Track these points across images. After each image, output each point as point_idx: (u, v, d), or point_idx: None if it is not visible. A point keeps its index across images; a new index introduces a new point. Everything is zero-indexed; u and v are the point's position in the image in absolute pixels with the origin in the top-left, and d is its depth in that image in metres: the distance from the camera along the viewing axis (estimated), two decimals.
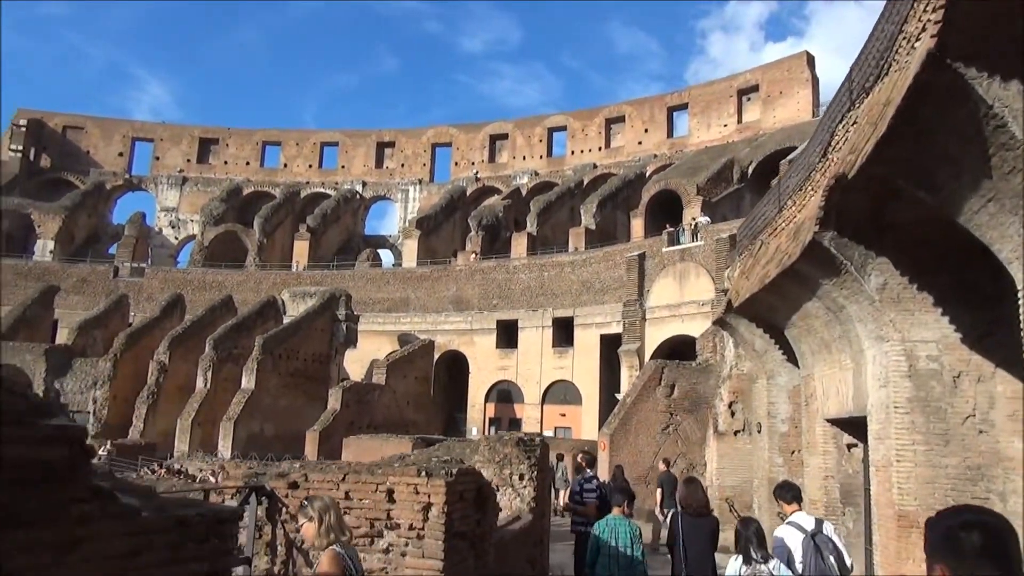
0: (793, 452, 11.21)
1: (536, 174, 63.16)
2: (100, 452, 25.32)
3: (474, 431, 42.05)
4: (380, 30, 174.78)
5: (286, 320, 41.14)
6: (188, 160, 69.10)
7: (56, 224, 58.05)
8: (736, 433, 13.99)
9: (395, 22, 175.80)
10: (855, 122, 6.86)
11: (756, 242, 11.05)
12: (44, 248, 57.29)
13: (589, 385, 40.77)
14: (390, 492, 4.77)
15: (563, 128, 64.20)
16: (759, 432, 11.92)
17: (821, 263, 7.53)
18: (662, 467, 17.33)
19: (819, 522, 6.45)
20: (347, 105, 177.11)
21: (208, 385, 36.99)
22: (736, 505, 13.13)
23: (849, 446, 9.33)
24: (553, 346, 42.61)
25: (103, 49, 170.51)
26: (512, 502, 7.40)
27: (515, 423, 42.57)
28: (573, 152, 62.67)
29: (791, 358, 11.00)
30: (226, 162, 69.09)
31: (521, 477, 7.43)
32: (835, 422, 9.39)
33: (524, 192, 60.79)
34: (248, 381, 36.07)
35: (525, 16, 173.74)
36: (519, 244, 50.13)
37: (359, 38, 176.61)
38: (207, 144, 69.90)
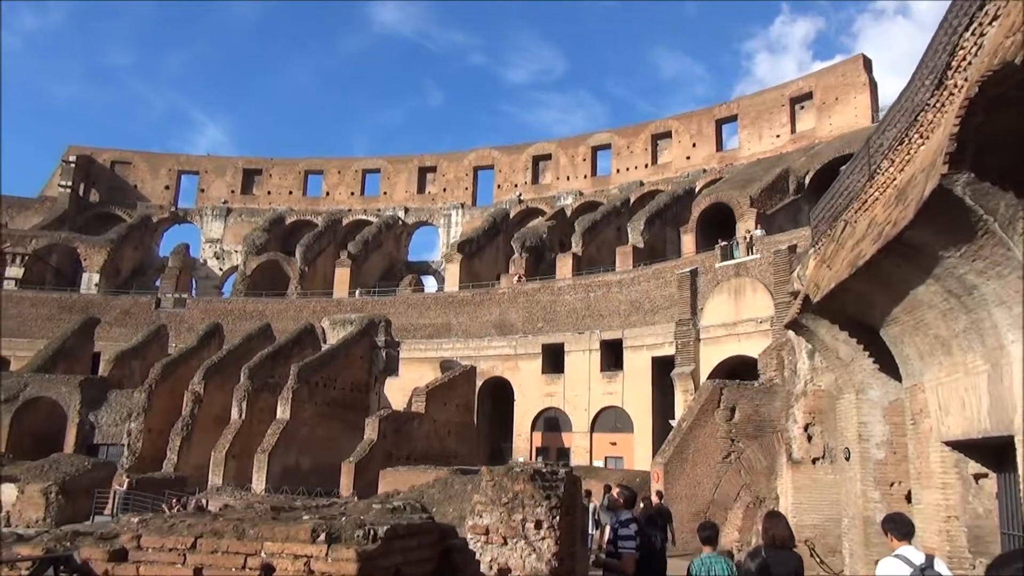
0: (893, 484, 9.00)
1: (580, 194, 61.35)
2: (116, 487, 24.03)
3: (520, 461, 39.92)
4: (426, 64, 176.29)
5: (324, 348, 39.82)
6: (232, 191, 69.20)
7: (102, 257, 58.23)
8: (815, 461, 11.77)
9: (441, 56, 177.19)
10: (996, 17, 4.84)
11: (838, 223, 9.00)
12: (90, 281, 57.42)
13: (641, 411, 38.36)
14: (267, 571, 2.97)
15: (607, 146, 62.39)
16: (847, 459, 9.76)
17: (945, 225, 5.51)
18: (655, 499, 15.59)
19: (930, 558, 5.83)
20: (394, 139, 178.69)
21: (243, 416, 35.72)
22: (819, 549, 10.89)
23: (977, 476, 7.14)
24: (602, 370, 40.37)
25: (164, 94, 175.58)
26: (525, 560, 5.49)
27: (563, 453, 40.31)
28: (618, 170, 60.72)
29: (885, 366, 8.87)
30: (269, 192, 68.98)
31: (538, 525, 5.51)
32: (958, 445, 7.21)
33: (569, 212, 58.96)
34: (283, 411, 34.69)
35: (569, 46, 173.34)
36: (564, 265, 48.21)
37: (406, 73, 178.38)
38: (251, 175, 69.97)
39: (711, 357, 35.68)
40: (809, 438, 11.82)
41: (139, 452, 36.33)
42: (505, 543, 5.44)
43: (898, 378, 8.59)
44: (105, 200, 68.67)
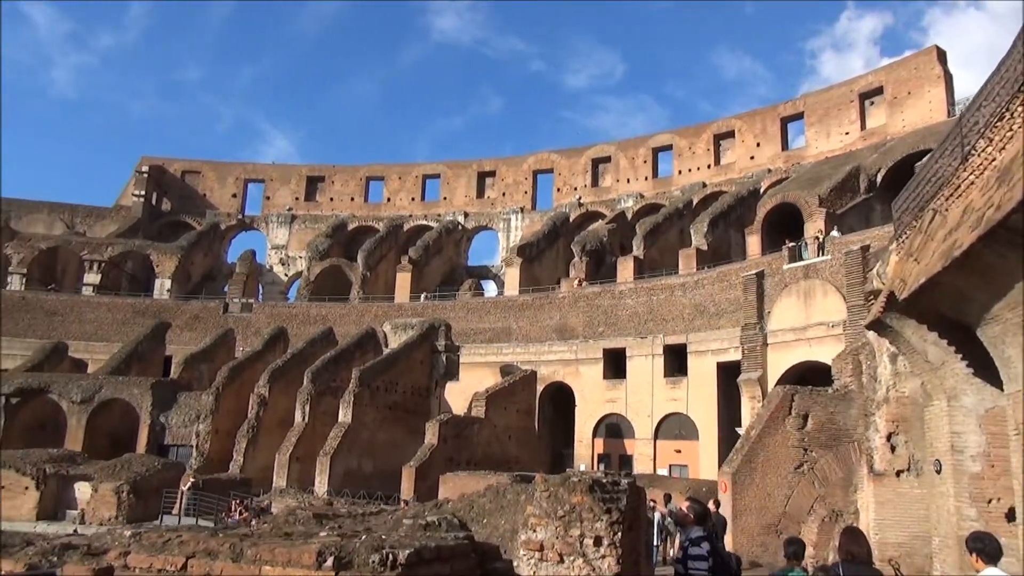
0: (991, 501, 8.22)
1: (641, 196, 60.45)
2: (183, 487, 24.43)
3: (582, 468, 39.28)
4: (485, 71, 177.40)
5: (385, 352, 39.99)
6: (296, 198, 70.51)
7: (173, 264, 59.96)
8: (899, 474, 10.96)
9: (499, 63, 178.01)
10: None
11: (925, 213, 8.28)
12: (162, 287, 59.18)
13: (706, 418, 37.34)
14: None
15: (669, 147, 61.31)
16: (937, 472, 8.98)
17: None
18: (712, 508, 14.78)
19: None
20: (454, 147, 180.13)
21: (306, 419, 36.08)
22: (904, 569, 10.10)
23: None
24: (665, 376, 39.48)
25: (232, 107, 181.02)
26: None
27: (626, 460, 39.56)
28: (680, 172, 59.60)
29: (981, 371, 8.12)
30: (332, 199, 70.05)
31: (597, 542, 5.05)
32: None
33: (629, 215, 58.17)
34: (345, 415, 34.90)
35: (628, 49, 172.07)
36: (625, 269, 47.42)
37: (465, 80, 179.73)
38: (314, 182, 71.20)
39: (779, 362, 34.48)
40: (892, 448, 11.00)
41: (207, 453, 37.06)
42: (561, 561, 5.01)
43: (996, 383, 7.84)
44: (176, 208, 70.82)
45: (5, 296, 53.40)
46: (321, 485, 32.44)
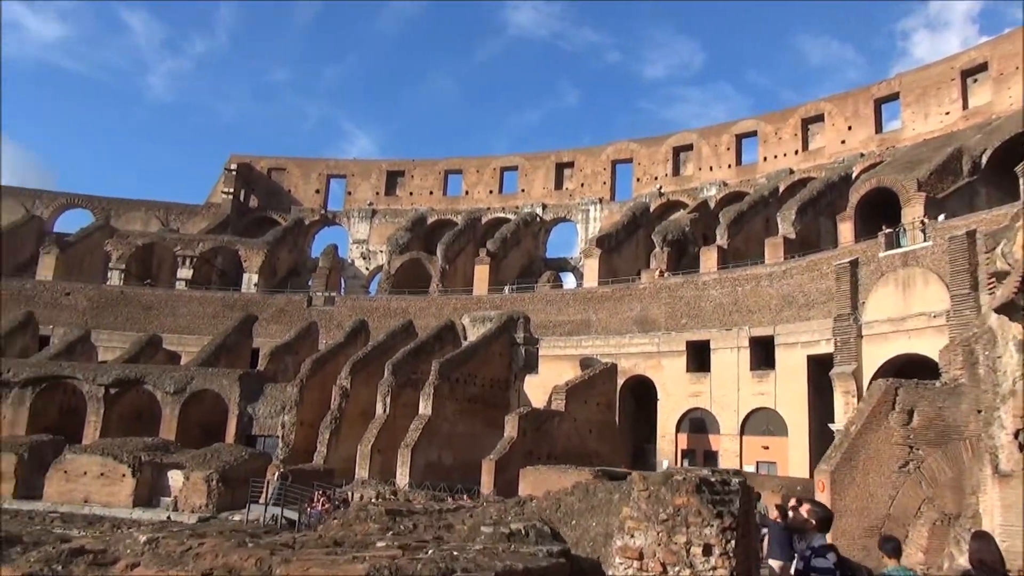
0: None
1: (725, 184, 58.63)
2: (269, 477, 24.85)
3: (665, 464, 38.36)
4: (562, 65, 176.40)
5: (464, 345, 39.96)
6: (377, 193, 71.47)
7: (260, 258, 61.62)
8: None
9: (576, 56, 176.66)
10: None
11: None
12: (249, 281, 60.90)
13: (796, 413, 35.82)
14: None
15: (753, 133, 59.23)
16: None
17: None
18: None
19: None
20: (531, 141, 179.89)
21: (387, 411, 36.38)
22: None
23: None
24: (751, 369, 38.07)
25: (317, 106, 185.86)
26: None
27: (711, 456, 38.39)
28: (765, 158, 57.48)
29: None
30: (411, 193, 70.68)
31: (707, 550, 4.46)
32: None
33: (712, 204, 56.47)
34: (425, 407, 35.00)
35: (708, 38, 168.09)
36: (708, 259, 46.02)
37: (542, 74, 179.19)
38: (394, 176, 72.01)
39: (875, 355, 32.69)
40: (1021, 447, 10.00)
41: (292, 444, 37.83)
42: (664, 572, 4.43)
43: None
44: (263, 205, 72.87)
45: (105, 291, 55.97)
46: (402, 477, 32.61)
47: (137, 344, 47.04)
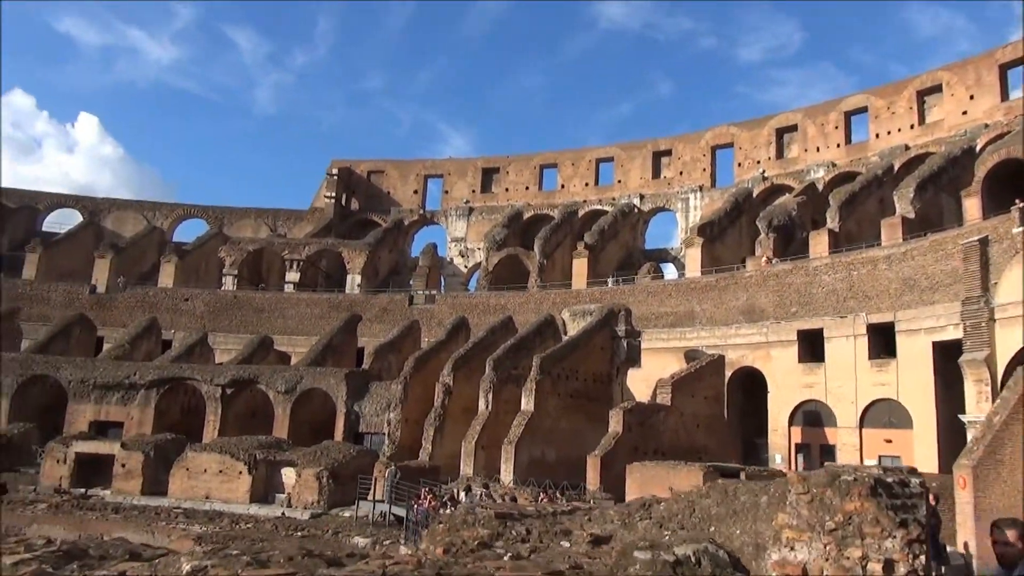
0: None
1: (833, 165, 55.74)
2: (377, 474, 25.11)
3: (778, 459, 36.72)
4: (654, 54, 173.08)
5: (565, 339, 39.46)
6: (473, 191, 71.91)
7: (362, 260, 63.12)
8: None
9: (669, 45, 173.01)
10: None
11: None
12: (353, 282, 62.48)
13: (921, 404, 33.50)
14: None
15: (863, 110, 56.02)
16: None
17: None
18: (931, 502, 12.17)
19: None
20: (625, 133, 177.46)
21: (489, 407, 36.32)
22: None
23: None
24: (870, 358, 35.87)
25: (410, 110, 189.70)
26: None
27: (827, 450, 36.46)
28: (877, 135, 54.26)
29: None
30: (507, 189, 70.75)
31: (888, 567, 3.72)
32: None
33: (820, 186, 53.81)
34: (527, 402, 34.72)
35: (806, 17, 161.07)
36: (818, 243, 43.77)
37: (633, 65, 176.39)
38: (489, 174, 72.27)
39: (1010, 340, 30.05)
40: None
41: (398, 441, 38.37)
42: None
43: None
44: (363, 207, 74.66)
45: (220, 296, 58.60)
46: (506, 474, 32.46)
47: (250, 345, 48.93)
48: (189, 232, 73.30)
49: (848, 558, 3.78)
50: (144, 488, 34.30)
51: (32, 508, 33.20)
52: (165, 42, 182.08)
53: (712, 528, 6.03)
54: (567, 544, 7.18)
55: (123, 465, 34.89)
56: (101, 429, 41.82)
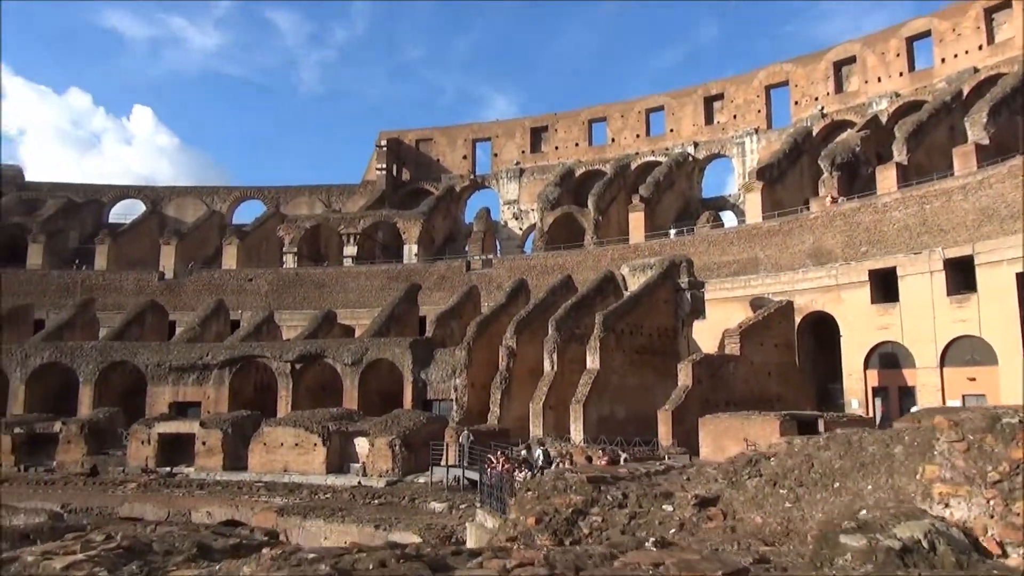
0: None
1: (897, 95, 53.22)
2: (448, 439, 25.28)
3: (854, 404, 35.69)
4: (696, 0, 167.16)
5: (626, 295, 38.93)
6: (523, 152, 71.17)
7: (417, 229, 63.29)
8: None
9: None
10: None
11: None
12: (410, 252, 62.78)
13: (1006, 339, 31.97)
14: None
15: (926, 34, 53.18)
16: None
17: None
18: None
19: None
20: (672, 82, 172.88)
21: (555, 367, 36.15)
22: None
23: None
24: (948, 294, 34.34)
25: (453, 78, 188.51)
26: None
27: (907, 392, 35.24)
28: (944, 60, 51.52)
29: None
30: (556, 147, 69.79)
31: None
32: None
33: (884, 119, 51.51)
34: (592, 361, 34.45)
35: None
36: (886, 178, 41.98)
37: (676, 11, 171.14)
38: (538, 133, 71.34)
39: None
40: None
41: (466, 406, 38.59)
42: (1004, 554, 3.29)
43: None
44: (415, 177, 74.69)
45: (282, 274, 59.62)
46: (576, 433, 32.37)
47: (315, 321, 49.72)
48: (247, 213, 74.69)
49: (1018, 514, 3.29)
50: (225, 464, 35.38)
51: (122, 488, 34.64)
52: (208, 29, 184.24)
53: (836, 484, 5.62)
54: (670, 508, 6.86)
55: (203, 443, 36.02)
56: (180, 409, 43.24)
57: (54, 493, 34.79)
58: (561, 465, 16.62)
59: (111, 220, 73.63)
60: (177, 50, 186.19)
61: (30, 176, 76.67)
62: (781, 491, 6.59)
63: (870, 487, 4.99)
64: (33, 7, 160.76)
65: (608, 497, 7.03)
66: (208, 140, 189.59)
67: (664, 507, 7.11)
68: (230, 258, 62.80)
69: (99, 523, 29.86)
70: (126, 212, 74.52)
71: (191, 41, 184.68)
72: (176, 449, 36.85)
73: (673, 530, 6.48)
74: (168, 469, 36.20)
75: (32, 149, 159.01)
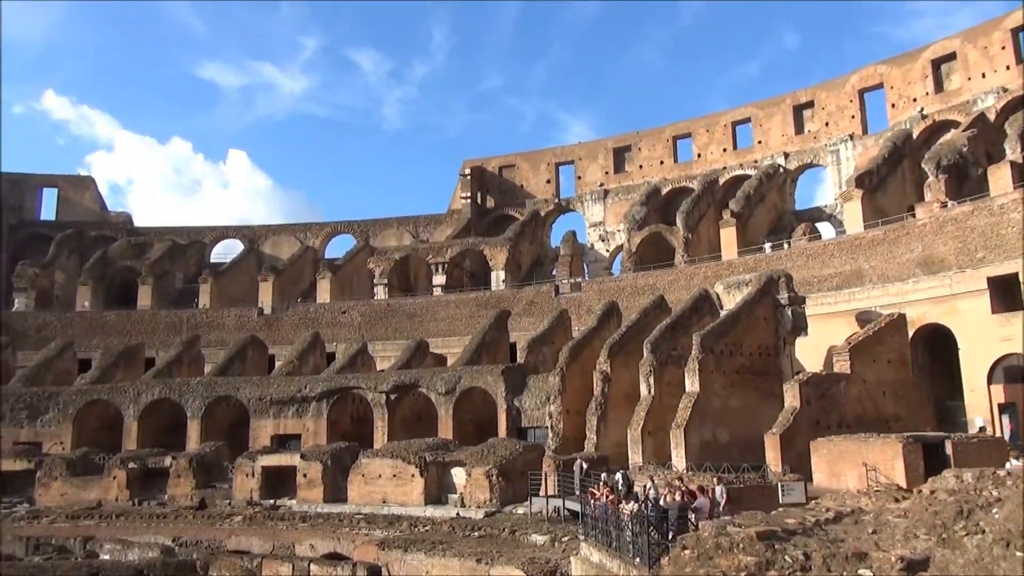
0: None
1: (1004, 90, 49.94)
2: (546, 469, 24.63)
3: (979, 422, 33.18)
4: (776, 7, 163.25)
5: (723, 314, 37.59)
6: (606, 173, 70.51)
7: (503, 255, 63.33)
8: None
9: None
10: None
11: None
12: (497, 278, 62.82)
13: None
14: None
15: None
16: None
17: None
18: None
19: None
20: (755, 93, 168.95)
21: (652, 391, 35.13)
22: None
23: None
24: None
25: (532, 104, 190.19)
26: None
27: None
28: None
29: None
30: (640, 166, 68.81)
31: None
32: None
33: (992, 116, 48.45)
34: (692, 383, 33.28)
35: None
36: (999, 178, 39.27)
37: (754, 22, 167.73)
38: (621, 153, 70.57)
39: None
40: None
41: (561, 433, 37.91)
42: None
43: None
44: (499, 203, 75.02)
45: (374, 305, 60.62)
46: (678, 459, 31.23)
47: (407, 351, 50.16)
48: (339, 248, 76.47)
49: None
50: (326, 495, 35.77)
51: (229, 521, 35.46)
52: (295, 73, 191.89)
53: None
54: (868, 574, 5.93)
55: (304, 475, 36.56)
56: (281, 442, 44.21)
57: (165, 527, 35.96)
58: (668, 499, 15.73)
59: (212, 260, 76.78)
60: (268, 95, 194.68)
61: (138, 222, 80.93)
62: (1018, 554, 5.38)
63: None
64: (138, 65, 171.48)
65: (786, 559, 6.13)
66: (300, 179, 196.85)
67: (860, 571, 6.06)
68: (324, 291, 64.35)
69: (208, 558, 30.54)
70: (226, 252, 77.65)
71: (280, 87, 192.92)
72: (279, 481, 37.54)
73: None
74: (272, 501, 36.88)
75: (140, 196, 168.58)
